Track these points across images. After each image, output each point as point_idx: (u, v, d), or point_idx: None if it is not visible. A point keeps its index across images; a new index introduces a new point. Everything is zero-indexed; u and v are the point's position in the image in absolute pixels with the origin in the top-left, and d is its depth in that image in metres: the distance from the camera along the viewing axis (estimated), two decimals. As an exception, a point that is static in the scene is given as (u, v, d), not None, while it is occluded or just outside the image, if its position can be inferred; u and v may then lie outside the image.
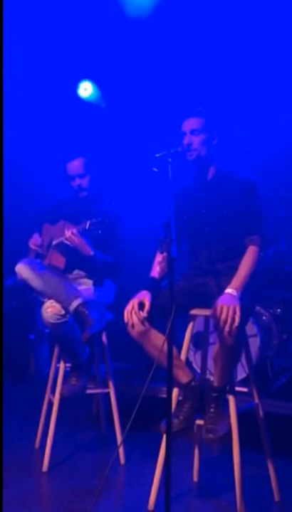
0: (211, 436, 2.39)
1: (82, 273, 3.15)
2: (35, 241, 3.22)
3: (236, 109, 4.09)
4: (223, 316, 2.26)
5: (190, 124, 2.60)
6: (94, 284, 3.08)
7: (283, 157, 4.02)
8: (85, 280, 3.12)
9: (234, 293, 2.37)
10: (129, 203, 3.46)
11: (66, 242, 2.96)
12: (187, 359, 3.42)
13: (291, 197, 4.00)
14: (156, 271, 2.64)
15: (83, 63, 4.55)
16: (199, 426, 2.53)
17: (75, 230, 2.91)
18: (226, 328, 2.25)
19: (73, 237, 2.91)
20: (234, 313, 2.26)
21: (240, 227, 2.56)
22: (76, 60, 4.50)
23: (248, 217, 2.56)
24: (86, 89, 4.64)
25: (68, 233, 2.93)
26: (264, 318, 3.71)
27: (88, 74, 4.63)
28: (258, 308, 3.69)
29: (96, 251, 2.98)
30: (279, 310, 3.79)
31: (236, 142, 3.75)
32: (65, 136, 4.43)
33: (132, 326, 2.47)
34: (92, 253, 2.95)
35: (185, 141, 2.59)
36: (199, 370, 3.18)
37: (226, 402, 2.46)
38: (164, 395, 2.15)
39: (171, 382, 2.12)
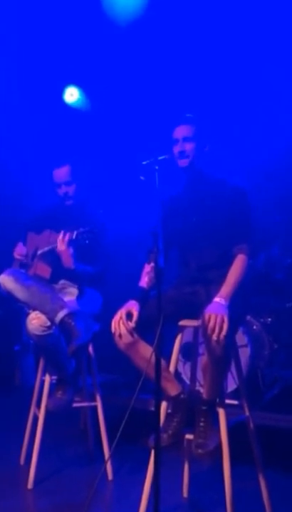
0: (200, 451, 2.34)
1: (68, 283, 3.09)
2: (19, 250, 3.15)
3: (231, 115, 4.07)
4: (210, 325, 2.22)
5: (182, 131, 2.58)
6: (79, 293, 3.02)
7: (278, 163, 4.01)
8: (72, 290, 3.06)
9: (222, 301, 2.34)
10: (116, 212, 3.41)
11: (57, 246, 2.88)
12: (176, 370, 3.36)
13: (284, 203, 3.98)
14: (144, 281, 2.60)
15: (69, 69, 4.50)
16: (189, 440, 2.47)
17: (65, 237, 2.83)
18: (214, 338, 2.21)
19: (60, 243, 2.83)
20: (222, 321, 2.22)
21: (230, 235, 2.54)
22: (62, 65, 4.44)
23: (238, 225, 2.54)
24: (72, 95, 4.59)
25: (59, 237, 2.86)
26: (255, 327, 3.66)
27: (74, 79, 4.58)
28: (248, 317, 3.65)
29: (77, 264, 2.91)
30: (270, 319, 3.75)
31: (230, 148, 3.73)
32: (52, 143, 4.37)
33: (120, 336, 2.42)
34: (73, 267, 2.89)
35: (177, 149, 2.57)
36: (188, 382, 3.11)
37: (216, 415, 2.41)
38: (153, 408, 2.08)
39: (159, 395, 2.08)
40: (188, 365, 3.18)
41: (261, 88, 4.07)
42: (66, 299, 2.96)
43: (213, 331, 2.21)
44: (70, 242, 2.84)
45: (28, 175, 4.47)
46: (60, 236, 2.83)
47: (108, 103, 4.54)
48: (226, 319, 2.23)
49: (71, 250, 2.84)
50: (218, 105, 3.98)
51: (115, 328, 2.42)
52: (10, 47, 4.41)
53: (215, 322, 2.21)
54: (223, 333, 2.20)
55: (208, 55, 4.09)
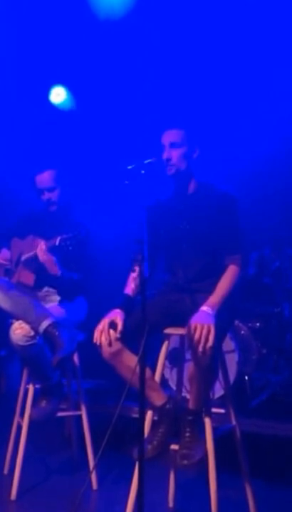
0: (185, 462, 2.31)
1: (52, 290, 3.03)
2: (3, 255, 3.10)
3: (220, 118, 4.02)
4: (196, 335, 2.17)
5: (169, 136, 2.50)
6: (60, 302, 2.96)
7: (273, 164, 3.97)
8: (55, 297, 3.02)
9: (210, 311, 2.28)
10: (101, 217, 3.35)
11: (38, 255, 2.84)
12: (163, 376, 3.31)
13: (277, 205, 3.95)
14: (130, 288, 2.54)
15: (55, 69, 4.41)
16: (174, 451, 2.43)
17: (44, 246, 2.79)
18: (200, 348, 2.16)
19: (41, 252, 2.79)
20: (208, 332, 2.17)
21: (219, 244, 2.48)
22: (48, 65, 4.35)
23: (229, 235, 2.47)
24: (59, 95, 4.47)
25: (38, 247, 2.82)
26: (243, 332, 3.63)
27: (60, 79, 4.49)
28: (236, 322, 3.61)
29: (63, 270, 2.87)
30: (258, 324, 3.72)
31: (222, 151, 3.68)
32: (36, 146, 4.29)
33: (104, 346, 2.36)
34: (59, 273, 2.85)
35: (164, 156, 2.49)
36: (175, 388, 3.07)
37: (202, 425, 2.37)
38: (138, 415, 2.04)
39: (143, 407, 2.02)
40: (175, 371, 3.13)
41: (248, 91, 4.03)
42: (50, 305, 2.92)
43: (199, 341, 2.16)
44: (53, 249, 2.79)
45: (13, 178, 4.39)
46: (40, 246, 2.79)
47: (93, 104, 4.46)
48: (212, 329, 2.18)
49: (54, 257, 2.79)
50: (207, 107, 3.93)
51: (97, 339, 2.36)
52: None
53: (201, 332, 2.17)
54: (210, 343, 2.16)
55: (197, 56, 4.05)
